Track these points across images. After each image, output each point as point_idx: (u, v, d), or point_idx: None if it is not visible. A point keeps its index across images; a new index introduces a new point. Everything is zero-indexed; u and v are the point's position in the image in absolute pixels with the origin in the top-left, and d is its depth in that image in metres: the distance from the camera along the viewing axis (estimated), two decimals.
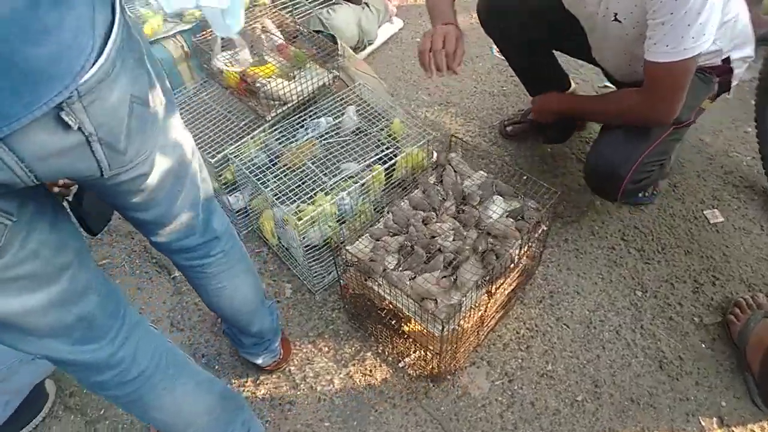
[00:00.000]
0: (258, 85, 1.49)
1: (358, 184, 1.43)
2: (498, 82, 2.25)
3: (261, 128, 1.55)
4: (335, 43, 1.86)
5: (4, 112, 0.51)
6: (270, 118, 1.54)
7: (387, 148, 1.53)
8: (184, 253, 1.00)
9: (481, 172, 1.47)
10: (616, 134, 1.46)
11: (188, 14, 2.00)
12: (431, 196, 1.37)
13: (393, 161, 1.48)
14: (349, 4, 2.14)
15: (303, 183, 1.46)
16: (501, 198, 1.39)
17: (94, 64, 0.57)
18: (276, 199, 1.53)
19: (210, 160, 1.50)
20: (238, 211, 1.67)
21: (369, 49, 2.30)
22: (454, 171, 1.45)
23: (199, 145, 1.56)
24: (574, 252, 1.63)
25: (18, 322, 0.72)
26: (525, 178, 1.39)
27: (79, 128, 0.59)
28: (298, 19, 1.98)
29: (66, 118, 0.56)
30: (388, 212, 1.37)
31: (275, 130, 1.56)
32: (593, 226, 1.70)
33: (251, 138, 1.53)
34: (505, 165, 1.88)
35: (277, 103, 1.54)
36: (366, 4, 2.20)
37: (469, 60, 2.35)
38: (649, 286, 1.54)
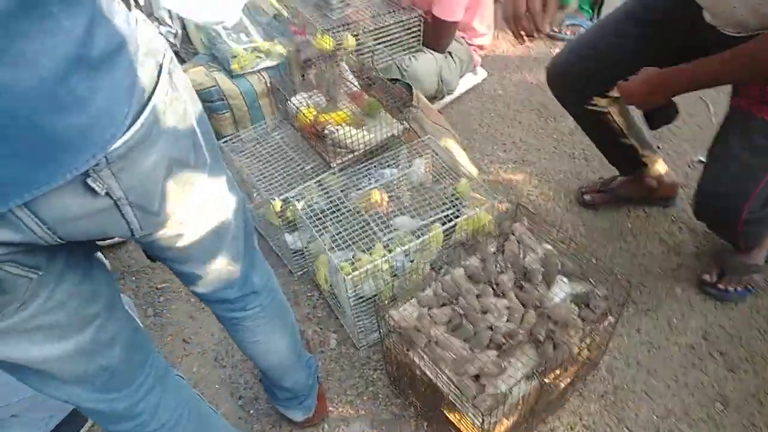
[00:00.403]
0: (326, 131, 1.48)
1: (416, 242, 1.37)
2: (580, 144, 2.12)
3: (325, 174, 1.53)
4: (411, 92, 1.83)
5: (26, 178, 0.50)
6: (335, 165, 1.52)
7: (448, 208, 1.46)
8: (220, 304, 0.98)
9: (548, 245, 1.36)
10: (734, 150, 1.26)
11: (275, 51, 2.06)
12: (488, 268, 1.28)
13: (453, 223, 1.40)
14: (432, 52, 2.11)
15: (362, 230, 1.43)
16: (566, 279, 1.27)
17: (127, 130, 0.56)
18: (333, 245, 1.51)
19: (271, 200, 1.50)
20: (295, 252, 1.66)
21: (447, 99, 2.25)
22: (518, 242, 1.35)
23: (263, 183, 1.57)
24: (646, 345, 1.47)
25: (40, 368, 0.71)
26: (596, 262, 1.27)
27: (107, 193, 0.57)
28: (379, 63, 1.97)
29: (92, 185, 0.55)
30: (443, 276, 1.30)
31: (339, 176, 1.54)
32: (671, 318, 1.53)
33: (315, 182, 1.52)
34: (578, 236, 1.77)
35: (343, 150, 1.52)
36: (450, 53, 2.17)
37: (551, 118, 2.25)
38: (732, 399, 1.35)
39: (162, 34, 2.18)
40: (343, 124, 1.51)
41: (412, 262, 1.43)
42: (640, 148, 1.68)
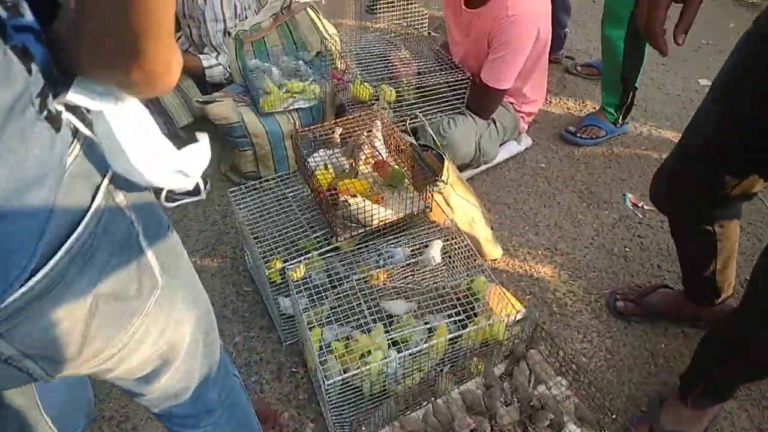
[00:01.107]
0: (339, 203, 1.35)
1: (414, 351, 1.21)
2: (622, 239, 1.93)
3: (331, 246, 1.40)
4: (442, 163, 1.69)
5: None
6: (342, 239, 1.39)
7: (458, 313, 1.30)
8: (167, 418, 0.85)
9: (563, 381, 1.19)
10: None
11: (309, 92, 1.96)
12: (492, 397, 1.12)
13: (460, 333, 1.24)
14: (474, 117, 1.97)
15: (360, 310, 1.29)
16: (577, 426, 1.10)
17: (22, 285, 0.44)
18: (329, 318, 1.38)
19: (271, 257, 1.38)
20: (288, 317, 1.53)
21: (483, 168, 2.10)
22: (529, 370, 1.18)
23: (267, 238, 1.44)
24: None
25: None
26: (615, 417, 1.09)
27: None
28: (415, 121, 1.84)
29: None
30: (436, 398, 1.14)
31: (345, 251, 1.41)
32: None
33: (318, 253, 1.39)
34: (603, 351, 1.58)
35: (354, 225, 1.39)
36: (493, 120, 2.02)
37: (594, 204, 2.06)
38: None
39: (221, 63, 2.13)
40: (359, 196, 1.38)
41: (405, 369, 1.28)
42: (728, 288, 1.47)
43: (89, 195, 0.50)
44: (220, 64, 2.13)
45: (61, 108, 0.47)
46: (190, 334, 0.71)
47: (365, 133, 1.53)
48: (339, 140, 1.58)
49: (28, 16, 0.44)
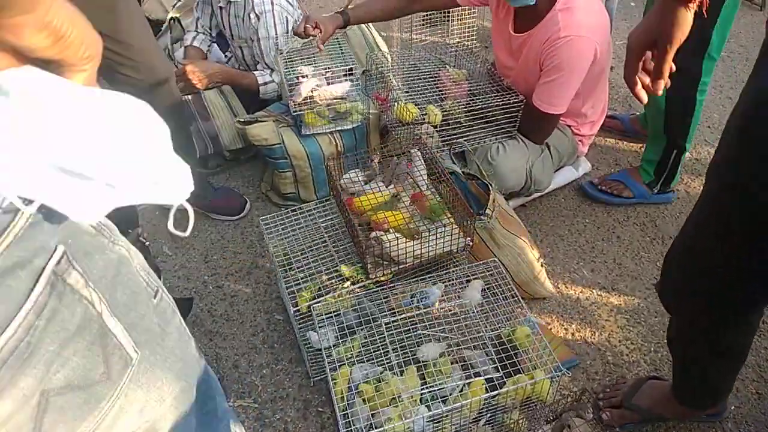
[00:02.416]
0: (372, 238, 1.27)
1: (445, 409, 1.10)
2: None
3: (362, 284, 1.32)
4: (488, 192, 1.57)
5: None
6: (374, 277, 1.30)
7: (496, 369, 1.18)
8: None
9: None
10: None
11: (355, 113, 1.89)
12: None
13: (495, 393, 1.12)
14: (527, 142, 1.83)
15: (393, 348, 1.21)
16: None
17: None
18: (359, 356, 1.30)
19: (304, 286, 1.31)
20: (317, 351, 1.45)
21: (535, 196, 1.96)
22: None
23: (294, 269, 1.38)
24: None
25: None
26: None
27: None
28: (456, 149, 1.73)
29: None
30: None
31: (374, 289, 1.32)
32: None
33: (347, 291, 1.31)
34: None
35: (386, 263, 1.30)
36: (548, 145, 1.87)
37: (659, 240, 1.88)
38: None
39: (275, 80, 2.11)
40: (393, 231, 1.29)
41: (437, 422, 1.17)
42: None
43: (25, 286, 0.42)
44: (273, 81, 2.12)
45: None
46: (178, 409, 0.64)
47: (404, 162, 1.44)
48: (377, 168, 1.49)
49: None
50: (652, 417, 1.35)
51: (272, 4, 2.02)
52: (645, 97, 0.89)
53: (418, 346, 1.25)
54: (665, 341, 1.56)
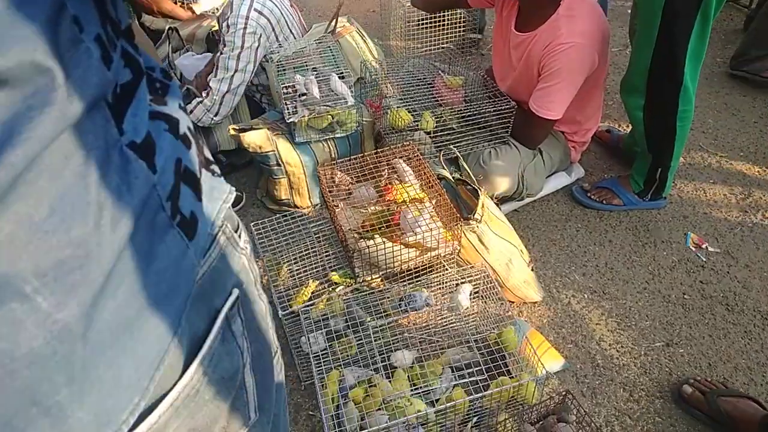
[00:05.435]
0: (359, 244, 1.29)
1: (430, 411, 1.12)
2: (681, 284, 1.75)
3: (350, 289, 1.34)
4: (477, 197, 1.59)
5: None
6: (361, 281, 1.32)
7: (480, 371, 1.19)
8: None
9: None
10: None
11: (350, 121, 1.91)
12: None
13: (480, 395, 1.14)
14: (519, 147, 1.85)
15: (380, 353, 1.22)
16: None
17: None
18: (351, 362, 1.32)
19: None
20: (307, 355, 1.47)
21: (527, 201, 1.97)
22: None
23: (285, 273, 1.41)
24: None
25: None
26: None
27: None
28: (446, 156, 1.75)
29: None
30: None
31: (363, 293, 1.34)
32: None
33: (336, 295, 1.33)
34: (653, 413, 1.41)
35: (375, 268, 1.32)
36: (540, 150, 1.89)
37: (651, 244, 1.88)
38: None
39: (205, 105, 1.94)
40: (378, 237, 1.31)
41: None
42: None
43: (204, 324, 0.41)
44: (202, 103, 1.96)
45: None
46: None
47: (388, 172, 1.46)
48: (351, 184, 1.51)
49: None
50: (723, 421, 1.33)
51: (246, 20, 1.85)
52: None
53: (393, 352, 1.26)
54: (656, 344, 1.58)
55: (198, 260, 0.39)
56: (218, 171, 0.45)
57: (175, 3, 1.46)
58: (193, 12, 1.47)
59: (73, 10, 0.27)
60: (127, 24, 0.35)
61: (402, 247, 1.29)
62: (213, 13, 2.38)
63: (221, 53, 1.89)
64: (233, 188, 0.46)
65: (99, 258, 0.30)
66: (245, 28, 1.86)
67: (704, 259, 1.82)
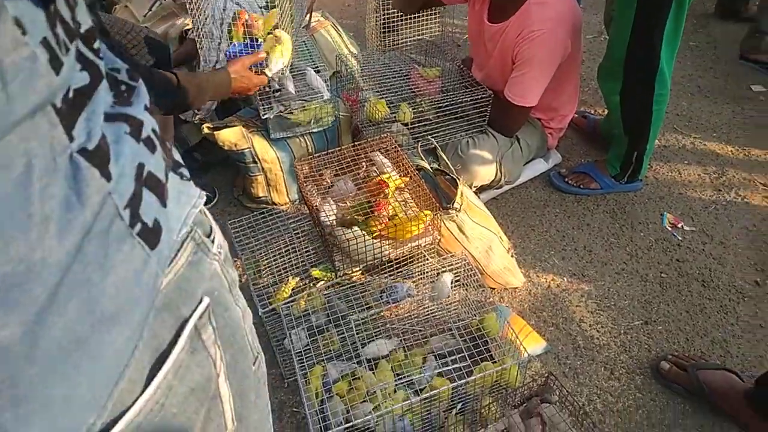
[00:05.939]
0: (337, 235, 1.29)
1: (414, 400, 1.13)
2: (658, 264, 1.78)
3: (332, 282, 1.34)
4: (455, 186, 1.60)
5: None
6: (342, 275, 1.32)
7: (462, 358, 1.21)
8: None
9: None
10: None
11: (326, 115, 1.91)
12: None
13: (463, 381, 1.15)
14: (497, 135, 1.86)
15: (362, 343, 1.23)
16: None
17: None
18: (333, 356, 1.33)
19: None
20: (290, 352, 1.47)
21: (505, 188, 1.99)
22: (543, 423, 1.08)
23: (265, 271, 1.40)
24: None
25: None
26: None
27: None
28: (425, 147, 1.76)
29: None
30: None
31: (344, 287, 1.35)
32: None
33: (317, 291, 1.33)
34: (633, 389, 1.44)
35: (354, 261, 1.32)
36: (517, 138, 1.91)
37: (628, 226, 1.91)
38: None
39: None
40: (358, 229, 1.31)
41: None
42: None
43: (170, 336, 0.39)
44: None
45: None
46: None
47: (365, 165, 1.46)
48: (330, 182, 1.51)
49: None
50: (702, 394, 1.36)
51: (222, 12, 1.83)
52: None
53: (368, 342, 1.27)
54: (635, 323, 1.61)
55: (162, 269, 0.38)
56: (187, 174, 0.44)
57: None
58: (266, 75, 1.54)
59: (14, 11, 0.26)
60: (88, 26, 0.33)
61: (381, 240, 1.29)
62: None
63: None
64: (203, 192, 0.45)
65: (43, 273, 0.29)
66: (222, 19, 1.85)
67: (680, 238, 1.85)
